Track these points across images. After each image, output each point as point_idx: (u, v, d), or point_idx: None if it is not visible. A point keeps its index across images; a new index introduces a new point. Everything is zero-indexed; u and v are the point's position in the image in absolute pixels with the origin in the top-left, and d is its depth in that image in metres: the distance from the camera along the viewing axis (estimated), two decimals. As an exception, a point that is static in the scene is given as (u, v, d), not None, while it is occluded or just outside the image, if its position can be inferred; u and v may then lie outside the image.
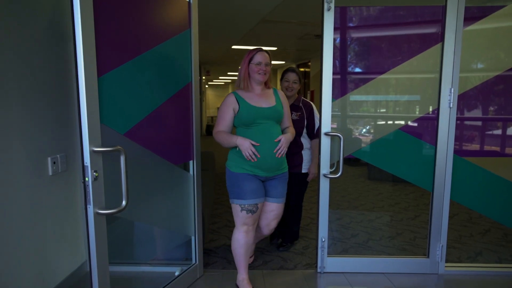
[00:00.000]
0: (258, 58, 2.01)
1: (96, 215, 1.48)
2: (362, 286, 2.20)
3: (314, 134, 2.62)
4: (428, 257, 2.43)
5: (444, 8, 2.22)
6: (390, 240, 3.00)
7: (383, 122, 2.41)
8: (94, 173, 1.45)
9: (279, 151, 1.98)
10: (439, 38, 2.26)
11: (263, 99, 2.04)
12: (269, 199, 2.13)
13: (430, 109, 2.34)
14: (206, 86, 17.62)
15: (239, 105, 2.00)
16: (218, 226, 3.35)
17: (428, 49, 2.28)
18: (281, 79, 2.64)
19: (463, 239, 3.02)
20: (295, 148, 2.55)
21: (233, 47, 7.65)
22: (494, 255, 2.71)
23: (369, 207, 4.02)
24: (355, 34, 2.30)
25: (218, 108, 2.10)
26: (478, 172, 2.40)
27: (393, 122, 2.38)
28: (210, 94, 21.09)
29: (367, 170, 5.26)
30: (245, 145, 1.92)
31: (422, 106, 2.35)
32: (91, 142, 1.43)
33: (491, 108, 2.41)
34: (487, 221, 3.36)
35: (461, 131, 2.39)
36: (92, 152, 1.44)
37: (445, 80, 2.27)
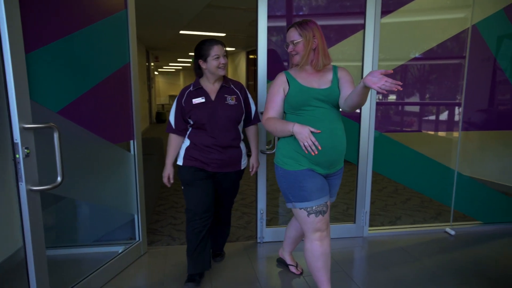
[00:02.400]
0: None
1: (29, 192, 1.50)
2: (296, 251, 2.43)
3: (251, 120, 2.08)
4: (354, 222, 2.74)
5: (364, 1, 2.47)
6: (325, 212, 3.30)
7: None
8: (26, 150, 1.46)
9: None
10: (361, 27, 2.51)
11: (315, 79, 1.68)
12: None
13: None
14: (156, 73, 17.10)
15: (289, 85, 1.68)
16: (164, 208, 3.42)
17: (351, 36, 2.53)
18: (201, 56, 1.90)
19: (388, 207, 3.41)
20: (237, 140, 1.99)
21: (181, 32, 7.55)
22: (410, 219, 3.11)
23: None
24: (287, 21, 2.47)
25: (267, 92, 1.76)
26: (397, 146, 2.74)
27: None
28: (160, 82, 20.49)
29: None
30: (304, 133, 1.53)
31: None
32: (20, 119, 1.44)
33: (408, 91, 2.74)
34: (409, 191, 3.80)
35: (381, 111, 2.70)
36: (23, 129, 1.45)
37: (366, 64, 2.53)
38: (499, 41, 2.73)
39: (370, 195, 2.69)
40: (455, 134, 2.83)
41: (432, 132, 2.88)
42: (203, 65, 1.91)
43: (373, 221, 2.96)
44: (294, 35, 1.66)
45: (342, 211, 3.30)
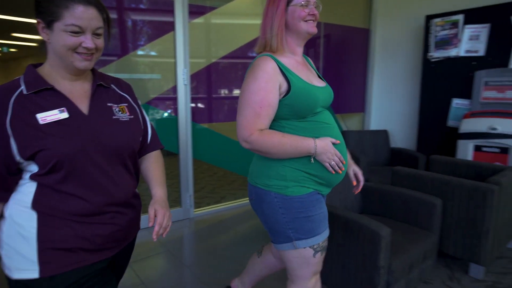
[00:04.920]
0: None
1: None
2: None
3: (148, 145, 1.14)
4: (181, 206, 3.02)
5: (172, 3, 2.72)
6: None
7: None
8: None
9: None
10: (172, 27, 2.76)
11: (308, 71, 1.24)
12: None
13: (170, 86, 2.85)
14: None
15: (287, 80, 1.13)
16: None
17: (165, 35, 2.75)
18: (42, 15, 0.91)
19: (216, 189, 3.87)
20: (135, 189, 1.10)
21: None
22: (233, 197, 3.63)
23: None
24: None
25: (242, 90, 1.15)
26: (214, 135, 3.15)
27: (141, 96, 2.76)
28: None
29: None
30: (330, 149, 1.14)
31: (164, 84, 2.82)
32: None
33: (218, 85, 3.17)
34: (235, 174, 4.39)
35: (196, 103, 3.05)
36: None
37: (179, 62, 2.81)
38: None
39: (192, 180, 3.01)
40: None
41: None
42: (43, 35, 0.90)
43: (201, 203, 3.32)
44: None
45: (174, 198, 3.55)
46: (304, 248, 1.18)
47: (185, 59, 2.82)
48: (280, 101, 1.13)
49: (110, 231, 0.95)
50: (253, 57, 3.21)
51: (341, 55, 3.90)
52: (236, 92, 3.26)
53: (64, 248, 0.88)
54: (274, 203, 1.17)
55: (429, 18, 3.44)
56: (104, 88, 1.02)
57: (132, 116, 1.03)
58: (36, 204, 0.89)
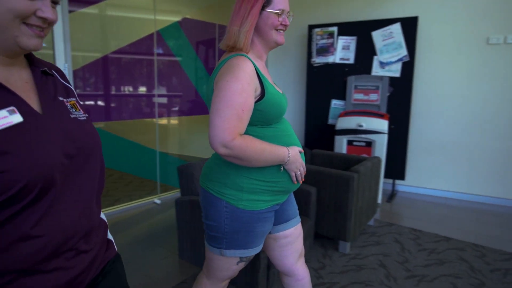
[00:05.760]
0: (279, 2, 1.11)
1: None
2: None
3: None
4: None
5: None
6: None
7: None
8: None
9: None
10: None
11: (270, 78, 1.20)
12: (290, 223, 1.30)
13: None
14: None
15: (261, 85, 1.08)
16: None
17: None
18: None
19: (110, 192, 3.66)
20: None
21: None
22: (127, 198, 3.50)
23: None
24: None
25: (220, 89, 1.02)
26: (106, 135, 2.97)
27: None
28: None
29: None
30: (299, 158, 1.14)
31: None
32: None
33: (110, 83, 3.00)
34: (133, 175, 4.22)
35: (84, 101, 2.84)
36: None
37: (59, 56, 2.58)
38: (178, 46, 3.48)
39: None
40: (154, 120, 3.40)
41: (135, 120, 3.32)
42: None
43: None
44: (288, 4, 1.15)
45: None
46: (232, 257, 1.17)
47: (66, 52, 2.61)
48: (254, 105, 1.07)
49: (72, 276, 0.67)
50: (148, 53, 3.14)
51: (237, 57, 4.09)
52: (129, 89, 3.14)
53: None
54: (222, 212, 1.12)
55: (311, 27, 3.87)
56: (46, 77, 0.73)
57: (86, 115, 0.76)
58: None
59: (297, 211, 1.33)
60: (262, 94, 1.07)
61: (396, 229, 2.79)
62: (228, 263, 1.18)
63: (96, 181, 0.74)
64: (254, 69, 1.06)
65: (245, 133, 1.06)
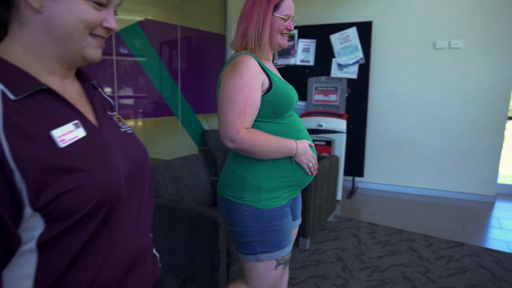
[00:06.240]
0: (286, 8, 1.17)
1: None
2: None
3: None
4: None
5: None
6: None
7: None
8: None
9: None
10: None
11: (278, 74, 1.25)
12: (294, 223, 1.36)
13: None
14: None
15: (269, 78, 1.12)
16: None
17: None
18: None
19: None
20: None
21: None
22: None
23: None
24: None
25: (224, 87, 1.08)
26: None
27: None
28: None
29: None
30: (308, 150, 1.16)
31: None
32: None
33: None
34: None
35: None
36: None
37: None
38: (138, 47, 3.43)
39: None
40: (114, 123, 3.33)
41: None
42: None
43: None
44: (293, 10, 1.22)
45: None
46: (269, 261, 1.17)
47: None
48: (261, 98, 1.11)
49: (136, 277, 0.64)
50: (107, 54, 3.04)
51: (200, 58, 4.09)
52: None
53: None
54: (244, 216, 1.15)
55: (273, 30, 3.95)
56: (94, 90, 0.69)
57: (131, 129, 0.73)
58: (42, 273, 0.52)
59: (300, 213, 1.38)
60: (270, 86, 1.12)
61: (354, 224, 2.92)
62: (266, 268, 1.18)
63: (152, 193, 0.71)
64: (258, 64, 1.10)
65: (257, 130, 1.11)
